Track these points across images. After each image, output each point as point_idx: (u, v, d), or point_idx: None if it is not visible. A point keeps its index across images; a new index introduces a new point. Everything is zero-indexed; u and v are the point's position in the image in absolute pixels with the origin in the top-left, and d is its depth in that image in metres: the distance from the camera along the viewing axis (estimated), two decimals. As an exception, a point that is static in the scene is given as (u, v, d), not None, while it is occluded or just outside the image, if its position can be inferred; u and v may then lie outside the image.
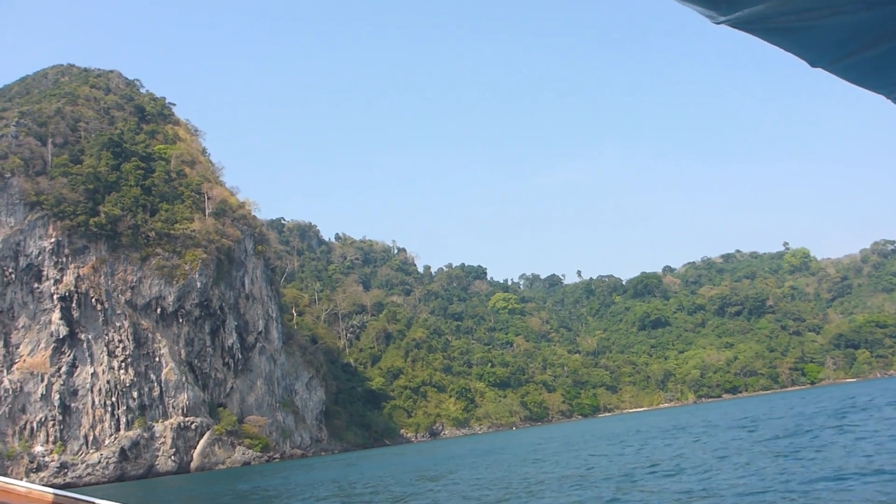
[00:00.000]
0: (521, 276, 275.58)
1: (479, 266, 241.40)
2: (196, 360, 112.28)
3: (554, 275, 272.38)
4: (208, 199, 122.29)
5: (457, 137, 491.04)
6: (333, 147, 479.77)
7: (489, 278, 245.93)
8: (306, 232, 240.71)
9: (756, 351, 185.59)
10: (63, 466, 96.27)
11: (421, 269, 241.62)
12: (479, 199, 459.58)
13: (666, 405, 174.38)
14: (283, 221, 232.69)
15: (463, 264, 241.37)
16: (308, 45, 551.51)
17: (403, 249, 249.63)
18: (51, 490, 3.13)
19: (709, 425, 53.90)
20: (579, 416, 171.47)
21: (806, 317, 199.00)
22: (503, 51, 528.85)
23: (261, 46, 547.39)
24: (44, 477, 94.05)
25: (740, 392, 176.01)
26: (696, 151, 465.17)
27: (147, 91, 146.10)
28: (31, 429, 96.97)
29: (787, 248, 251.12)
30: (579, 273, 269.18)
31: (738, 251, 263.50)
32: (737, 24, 2.02)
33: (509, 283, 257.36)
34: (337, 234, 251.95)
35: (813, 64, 2.12)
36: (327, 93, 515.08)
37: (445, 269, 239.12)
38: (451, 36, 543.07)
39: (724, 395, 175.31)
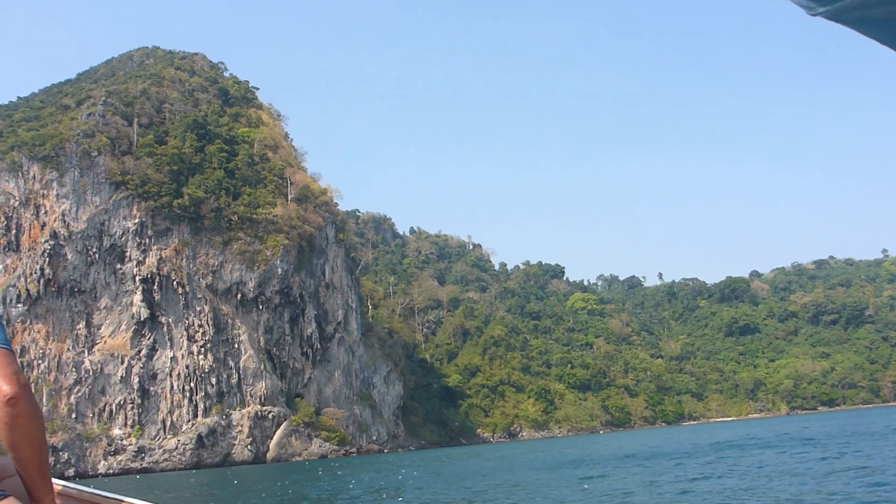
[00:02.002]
0: (599, 277, 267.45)
1: (557, 265, 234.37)
2: (274, 349, 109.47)
3: (633, 276, 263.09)
4: (291, 184, 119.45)
5: (534, 134, 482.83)
6: (409, 140, 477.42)
7: (566, 278, 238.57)
8: (381, 224, 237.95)
9: (855, 362, 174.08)
10: (141, 451, 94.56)
11: (497, 266, 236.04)
12: (555, 196, 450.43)
13: (756, 416, 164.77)
14: (357, 213, 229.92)
15: (540, 262, 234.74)
16: (385, 31, 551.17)
17: (479, 245, 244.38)
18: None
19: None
20: (663, 424, 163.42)
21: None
22: (582, 41, 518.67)
23: (335, 36, 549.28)
24: (121, 460, 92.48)
25: (838, 405, 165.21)
26: (785, 154, 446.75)
27: (231, 74, 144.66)
28: (111, 411, 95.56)
29: (886, 256, 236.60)
30: (660, 275, 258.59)
31: (831, 257, 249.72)
32: (834, 16, 1.74)
33: (587, 283, 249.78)
34: (412, 227, 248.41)
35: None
36: (402, 85, 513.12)
37: (522, 266, 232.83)
38: (535, 25, 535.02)
39: (819, 408, 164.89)
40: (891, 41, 1.69)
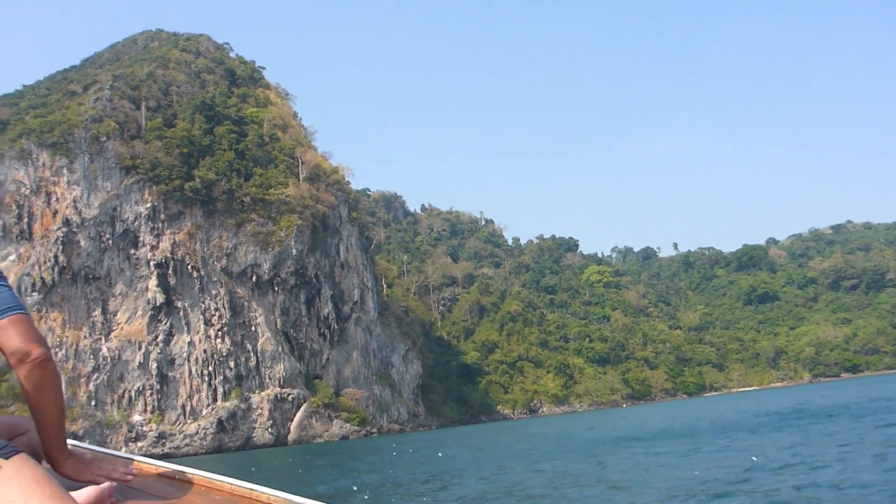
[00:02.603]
0: (614, 249, 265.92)
1: (571, 238, 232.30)
2: (292, 331, 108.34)
3: (648, 247, 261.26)
4: (302, 163, 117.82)
5: (541, 108, 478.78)
6: (418, 117, 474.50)
7: (580, 251, 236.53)
8: (392, 203, 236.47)
9: (877, 327, 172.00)
10: (161, 436, 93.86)
11: (510, 241, 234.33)
12: (567, 169, 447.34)
13: (778, 384, 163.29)
14: (368, 192, 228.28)
15: (553, 236, 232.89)
16: (393, 8, 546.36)
17: (491, 221, 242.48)
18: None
19: None
20: (684, 395, 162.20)
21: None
22: (595, 19, 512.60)
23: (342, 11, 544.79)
24: (142, 446, 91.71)
25: (861, 371, 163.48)
26: (798, 119, 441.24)
27: (237, 55, 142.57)
28: (130, 397, 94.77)
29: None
30: (676, 245, 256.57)
31: (849, 222, 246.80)
32: None
33: (601, 255, 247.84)
34: (423, 205, 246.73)
35: None
36: (407, 66, 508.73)
37: (536, 240, 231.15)
38: (543, 7, 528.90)
39: (842, 375, 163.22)
40: None
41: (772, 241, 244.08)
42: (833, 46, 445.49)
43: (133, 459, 3.06)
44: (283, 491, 2.73)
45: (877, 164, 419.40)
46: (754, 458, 23.49)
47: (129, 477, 2.64)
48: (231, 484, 2.85)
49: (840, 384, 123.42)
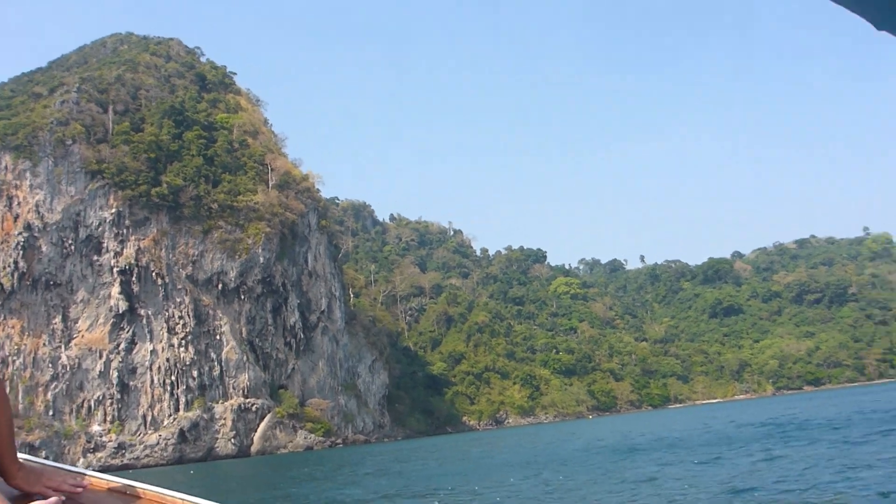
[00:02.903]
0: (581, 261, 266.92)
1: (539, 249, 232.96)
2: (257, 339, 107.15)
3: (615, 259, 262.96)
4: (271, 170, 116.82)
5: (511, 116, 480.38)
6: (386, 125, 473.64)
7: (547, 262, 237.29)
8: (360, 212, 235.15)
9: (840, 341, 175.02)
10: (121, 447, 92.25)
11: (478, 252, 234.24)
12: (534, 181, 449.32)
13: (742, 397, 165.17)
14: (337, 200, 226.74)
15: (522, 247, 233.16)
16: (361, 14, 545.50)
17: (460, 231, 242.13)
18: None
19: None
20: (649, 407, 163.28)
21: (893, 305, 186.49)
22: (562, 28, 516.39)
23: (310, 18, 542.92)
24: (101, 458, 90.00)
25: (823, 384, 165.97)
26: (762, 132, 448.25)
27: (208, 59, 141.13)
28: (89, 407, 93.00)
29: (868, 234, 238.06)
30: (643, 258, 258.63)
31: (812, 236, 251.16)
32: None
33: (569, 267, 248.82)
34: (391, 214, 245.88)
35: (878, 27, 1.90)
36: (376, 70, 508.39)
37: (504, 251, 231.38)
38: (515, 9, 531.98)
39: (805, 388, 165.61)
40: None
41: (737, 255, 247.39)
42: (796, 59, 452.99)
43: (84, 474, 2.98)
44: None
45: (840, 180, 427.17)
46: (803, 466, 22.79)
47: (79, 490, 2.64)
48: (182, 499, 2.78)
49: (803, 397, 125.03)
